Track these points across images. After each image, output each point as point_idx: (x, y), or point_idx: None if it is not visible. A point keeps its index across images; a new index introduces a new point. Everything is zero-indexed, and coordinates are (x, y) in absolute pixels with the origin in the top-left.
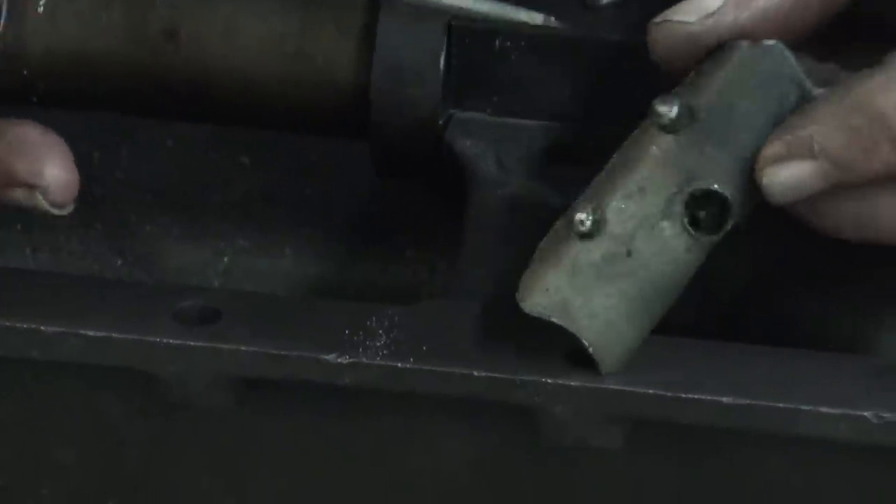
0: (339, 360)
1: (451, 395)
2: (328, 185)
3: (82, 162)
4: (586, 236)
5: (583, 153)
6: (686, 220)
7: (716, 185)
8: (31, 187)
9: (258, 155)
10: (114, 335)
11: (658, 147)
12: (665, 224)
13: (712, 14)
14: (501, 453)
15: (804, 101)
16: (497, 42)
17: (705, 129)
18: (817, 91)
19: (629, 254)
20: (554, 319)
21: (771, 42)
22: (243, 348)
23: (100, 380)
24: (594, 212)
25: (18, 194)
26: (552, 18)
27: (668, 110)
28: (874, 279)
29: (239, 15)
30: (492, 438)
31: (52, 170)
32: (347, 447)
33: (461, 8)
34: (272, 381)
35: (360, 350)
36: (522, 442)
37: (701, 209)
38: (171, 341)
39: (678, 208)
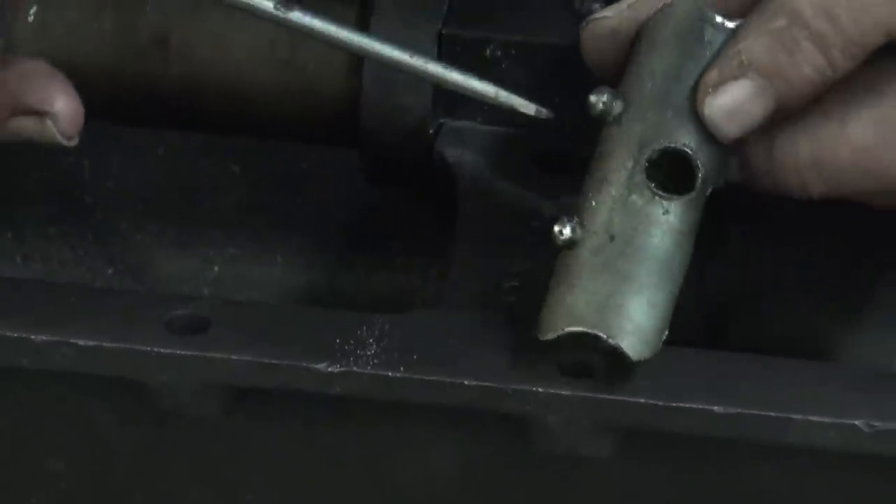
0: (329, 369)
1: (442, 404)
2: (319, 194)
3: (73, 171)
4: (572, 244)
5: (573, 161)
6: (653, 185)
7: (665, 143)
8: (42, 115)
9: (249, 163)
10: (104, 344)
11: (609, 136)
12: (634, 197)
13: (631, 5)
14: (493, 462)
15: (724, 36)
16: (488, 51)
17: (640, 100)
18: (731, 23)
19: (612, 238)
20: (567, 330)
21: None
22: (234, 357)
23: (90, 388)
24: (570, 220)
25: (28, 123)
26: (543, 110)
27: (599, 98)
28: (860, 287)
29: (229, 22)
30: (483, 447)
31: (62, 98)
32: (339, 456)
33: (470, 88)
34: (263, 389)
35: (351, 359)
36: (514, 451)
37: (672, 175)
38: (161, 350)
39: (640, 177)
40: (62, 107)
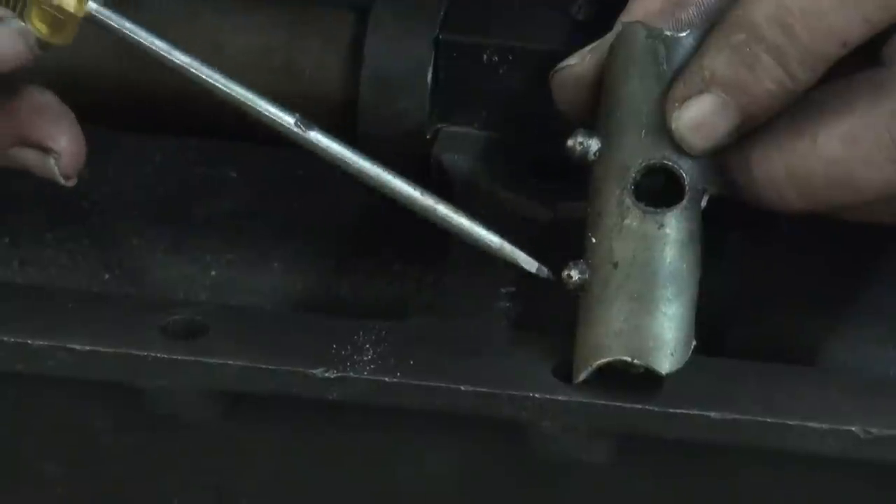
0: (326, 374)
1: (438, 409)
2: (315, 199)
3: None
4: (583, 286)
5: (569, 167)
6: (644, 203)
7: (646, 161)
8: (45, 150)
9: (246, 169)
10: (101, 349)
11: (595, 173)
12: (628, 221)
13: (592, 48)
14: (489, 467)
15: (677, 47)
16: (485, 56)
17: (615, 129)
18: (681, 33)
19: (616, 266)
20: (596, 364)
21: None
22: (230, 362)
23: (87, 393)
24: (575, 264)
25: (29, 155)
26: (545, 269)
27: (575, 140)
28: (857, 294)
29: (226, 30)
30: (480, 453)
31: (68, 138)
32: (334, 461)
33: (474, 237)
34: (259, 395)
35: (348, 364)
36: (510, 456)
37: (664, 193)
38: (158, 355)
39: (629, 200)
40: (66, 146)
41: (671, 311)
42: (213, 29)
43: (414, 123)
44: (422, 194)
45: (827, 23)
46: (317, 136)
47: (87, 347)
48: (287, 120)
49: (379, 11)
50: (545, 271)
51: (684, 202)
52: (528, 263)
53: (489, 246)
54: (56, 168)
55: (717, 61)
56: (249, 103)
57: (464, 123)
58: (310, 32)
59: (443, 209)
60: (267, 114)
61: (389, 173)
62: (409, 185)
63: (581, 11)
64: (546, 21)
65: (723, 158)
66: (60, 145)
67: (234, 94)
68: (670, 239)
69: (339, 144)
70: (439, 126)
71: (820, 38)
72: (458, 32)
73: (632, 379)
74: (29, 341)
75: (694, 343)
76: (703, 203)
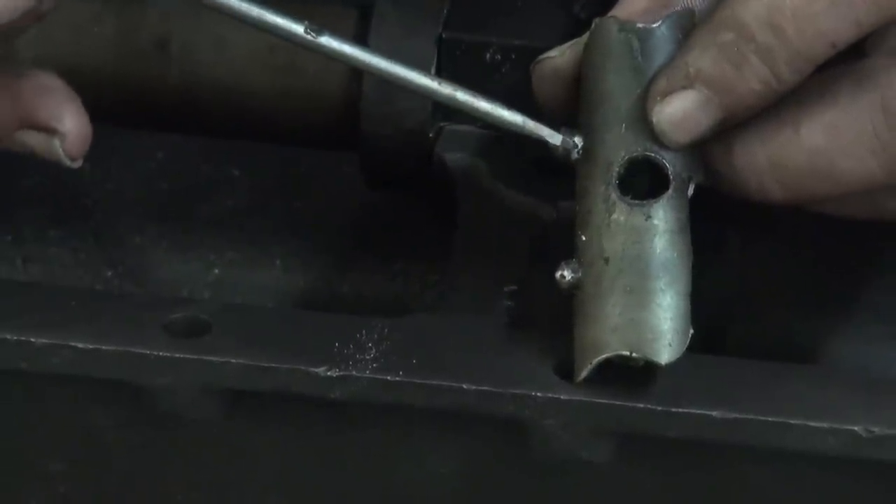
0: (328, 373)
1: (440, 408)
2: (318, 198)
3: (73, 174)
4: (577, 285)
5: (573, 165)
6: (630, 196)
7: (627, 156)
8: (51, 132)
9: (249, 167)
10: (103, 347)
11: (580, 172)
12: (615, 216)
13: (572, 43)
14: (490, 466)
15: (650, 38)
16: (487, 55)
17: (597, 125)
18: (652, 25)
19: (607, 262)
20: (595, 361)
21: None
22: (233, 361)
23: (89, 391)
24: (568, 264)
25: (35, 138)
26: (570, 141)
27: (558, 139)
28: (858, 292)
29: (230, 26)
30: (481, 451)
31: (73, 118)
32: (336, 460)
33: (497, 117)
34: (262, 393)
35: (350, 363)
36: (512, 455)
37: (651, 186)
38: (160, 353)
39: (615, 195)
40: (71, 127)
41: (666, 301)
42: (218, 26)
43: (416, 122)
44: (439, 84)
45: (818, 25)
46: (328, 40)
47: (90, 345)
48: (297, 28)
49: (382, 9)
50: (570, 143)
51: (670, 191)
52: (553, 136)
53: (512, 125)
54: (61, 150)
55: (702, 59)
56: (258, 17)
57: (466, 122)
58: None
59: (462, 95)
60: (277, 25)
61: (405, 68)
62: (426, 76)
63: (584, 10)
64: (549, 19)
65: (705, 148)
66: (65, 126)
67: (242, 9)
68: (659, 230)
69: (352, 46)
70: (442, 124)
71: (810, 40)
72: (461, 31)
73: (632, 375)
74: (32, 339)
75: (691, 332)
76: (690, 191)
